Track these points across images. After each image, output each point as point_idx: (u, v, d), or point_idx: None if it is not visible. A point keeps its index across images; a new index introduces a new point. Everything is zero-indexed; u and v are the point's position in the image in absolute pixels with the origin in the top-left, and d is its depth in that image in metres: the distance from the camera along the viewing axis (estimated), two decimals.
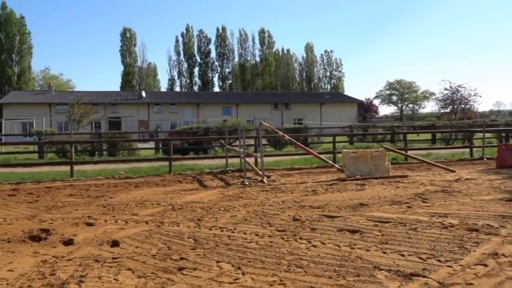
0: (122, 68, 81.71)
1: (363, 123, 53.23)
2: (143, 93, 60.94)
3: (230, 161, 14.61)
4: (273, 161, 15.62)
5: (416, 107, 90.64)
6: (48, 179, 12.32)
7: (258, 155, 12.25)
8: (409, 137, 18.29)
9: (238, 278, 3.89)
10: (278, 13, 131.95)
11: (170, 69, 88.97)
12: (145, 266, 4.29)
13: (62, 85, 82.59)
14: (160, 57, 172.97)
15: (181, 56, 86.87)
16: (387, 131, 27.99)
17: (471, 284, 3.64)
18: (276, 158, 16.79)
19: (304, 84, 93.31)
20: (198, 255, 4.62)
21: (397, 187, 9.38)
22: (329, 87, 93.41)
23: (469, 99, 61.06)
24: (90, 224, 6.28)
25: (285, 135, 13.41)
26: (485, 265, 4.08)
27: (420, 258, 4.31)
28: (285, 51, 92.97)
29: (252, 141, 16.97)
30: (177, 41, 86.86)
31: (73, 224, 6.36)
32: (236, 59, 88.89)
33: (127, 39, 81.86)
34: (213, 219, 6.49)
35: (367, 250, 4.64)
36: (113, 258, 4.56)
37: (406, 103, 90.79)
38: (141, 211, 7.30)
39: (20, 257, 4.72)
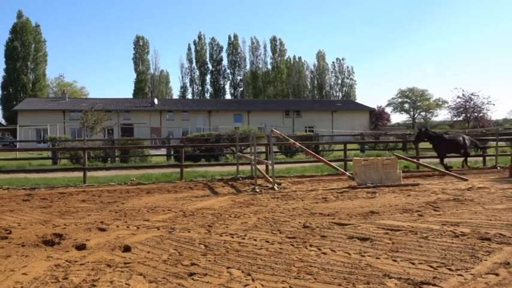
0: (134, 75, 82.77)
1: (374, 131, 53.00)
2: (155, 101, 61.45)
3: (241, 168, 14.66)
4: (284, 168, 15.64)
5: (429, 115, 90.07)
6: (61, 185, 12.48)
7: (269, 162, 12.27)
8: (421, 145, 18.14)
9: (248, 284, 3.92)
10: (290, 21, 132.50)
11: (182, 77, 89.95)
12: (156, 271, 4.34)
13: (75, 92, 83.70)
14: (172, 64, 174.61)
15: (194, 63, 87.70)
16: (399, 139, 27.84)
17: None
18: (287, 165, 16.81)
19: (315, 91, 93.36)
20: (209, 261, 4.66)
21: (409, 195, 9.34)
22: (340, 94, 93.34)
23: (482, 107, 60.59)
24: (103, 229, 6.36)
25: (296, 142, 13.44)
26: (497, 274, 4.05)
27: (431, 266, 4.29)
28: (297, 59, 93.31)
29: (263, 149, 17.02)
30: (189, 48, 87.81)
31: (86, 229, 6.44)
32: (248, 67, 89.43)
33: (140, 47, 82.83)
34: (223, 225, 6.52)
35: (377, 258, 4.63)
36: (125, 263, 4.62)
37: (418, 111, 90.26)
38: (153, 217, 7.36)
39: (34, 261, 4.80)
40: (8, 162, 19.07)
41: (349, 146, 17.13)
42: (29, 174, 14.61)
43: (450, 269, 4.21)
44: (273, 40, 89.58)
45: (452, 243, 5.18)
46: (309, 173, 14.87)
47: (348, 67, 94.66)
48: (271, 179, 11.57)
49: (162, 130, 54.47)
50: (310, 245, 5.23)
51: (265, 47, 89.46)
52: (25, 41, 68.74)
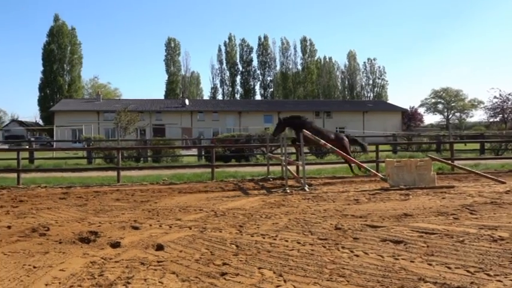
0: (166, 76, 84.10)
1: (407, 132, 52.00)
2: (186, 101, 62.20)
3: (271, 168, 14.66)
4: (314, 169, 15.55)
5: (464, 116, 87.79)
6: (96, 184, 12.79)
7: (300, 163, 12.23)
8: (456, 146, 17.70)
9: (280, 285, 3.90)
10: (320, 21, 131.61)
11: (213, 78, 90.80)
12: (188, 270, 4.38)
13: (109, 93, 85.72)
14: (203, 66, 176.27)
15: (224, 64, 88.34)
16: (432, 140, 27.20)
17: None
18: (317, 166, 16.70)
19: (346, 92, 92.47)
20: (240, 261, 4.67)
21: (443, 198, 9.11)
22: (372, 95, 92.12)
23: None
24: (136, 228, 6.47)
25: (327, 143, 13.32)
26: None
27: (468, 271, 4.17)
28: (327, 59, 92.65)
29: (293, 149, 16.97)
30: (219, 50, 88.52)
31: (120, 227, 6.57)
32: (278, 68, 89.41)
33: (171, 49, 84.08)
34: (254, 226, 6.53)
35: (412, 261, 4.53)
36: (158, 262, 4.68)
37: (452, 112, 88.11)
38: (185, 216, 7.45)
39: (70, 257, 4.93)
40: (46, 162, 19.69)
41: (381, 147, 16.86)
42: (65, 173, 15.03)
43: (488, 274, 4.07)
44: (303, 41, 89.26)
45: (490, 247, 5.02)
46: (340, 174, 14.74)
47: (379, 67, 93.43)
48: (302, 180, 11.52)
49: (193, 130, 55.08)
50: (343, 247, 5.17)
51: (295, 48, 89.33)
52: (61, 43, 70.86)
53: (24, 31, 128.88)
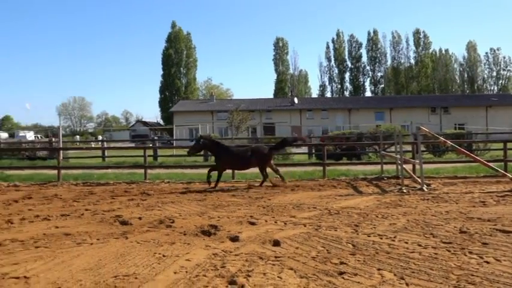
0: (275, 76, 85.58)
1: None
2: (295, 100, 62.59)
3: (385, 167, 14.15)
4: (432, 168, 14.66)
5: None
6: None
7: (417, 161, 11.61)
8: None
9: None
10: (434, 12, 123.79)
11: (321, 76, 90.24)
12: (306, 267, 4.41)
13: (222, 94, 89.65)
14: (311, 64, 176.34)
15: (332, 61, 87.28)
16: None
17: None
18: (435, 165, 15.73)
19: (465, 86, 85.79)
20: (358, 261, 4.58)
21: None
22: (496, 88, 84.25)
23: None
24: (253, 223, 6.68)
25: (447, 141, 12.49)
26: None
27: None
28: (443, 52, 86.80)
29: (408, 147, 16.18)
30: (327, 47, 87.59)
31: (237, 222, 6.84)
32: (389, 62, 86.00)
33: (279, 48, 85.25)
34: (370, 225, 6.36)
35: None
36: (275, 257, 4.78)
37: None
38: (298, 214, 7.50)
39: (194, 249, 5.25)
40: (167, 159, 21.23)
41: (509, 145, 15.31)
42: (185, 169, 16.00)
43: None
44: (416, 33, 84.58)
45: None
46: (461, 174, 13.71)
47: (504, 57, 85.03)
48: (419, 179, 10.95)
49: (302, 129, 55.29)
50: (470, 252, 4.81)
51: (407, 41, 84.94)
52: (178, 48, 75.70)
53: (145, 38, 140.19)
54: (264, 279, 4.07)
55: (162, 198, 9.81)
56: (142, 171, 14.39)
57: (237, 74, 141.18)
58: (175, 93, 75.67)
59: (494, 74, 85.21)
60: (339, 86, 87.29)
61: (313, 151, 21.84)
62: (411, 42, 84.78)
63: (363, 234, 5.84)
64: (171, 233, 6.11)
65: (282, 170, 15.46)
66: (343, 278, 4.06)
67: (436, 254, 4.78)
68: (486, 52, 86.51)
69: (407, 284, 3.85)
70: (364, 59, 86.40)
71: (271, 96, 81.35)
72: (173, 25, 77.47)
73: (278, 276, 4.14)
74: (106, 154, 22.85)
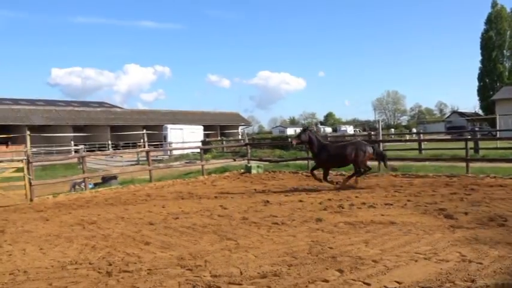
0: None
1: None
2: None
3: None
4: None
5: None
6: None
7: None
8: None
9: None
10: None
11: None
12: None
13: None
14: None
15: None
16: None
17: None
18: None
19: None
20: None
21: None
22: None
23: None
24: None
25: None
26: None
27: None
28: None
29: None
30: None
31: None
32: None
33: None
34: None
35: None
36: None
37: None
38: None
39: None
40: (489, 152, 19.29)
41: None
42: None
43: None
44: None
45: None
46: None
47: None
48: None
49: None
50: None
51: None
52: (500, 29, 67.72)
53: (458, 23, 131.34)
54: None
55: (489, 194, 8.96)
56: (462, 164, 13.54)
57: None
58: (496, 80, 67.98)
59: None
60: None
61: None
62: None
63: None
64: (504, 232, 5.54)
65: None
66: None
67: None
68: None
69: None
70: None
71: None
72: (494, 4, 69.77)
73: None
74: (422, 146, 22.58)
